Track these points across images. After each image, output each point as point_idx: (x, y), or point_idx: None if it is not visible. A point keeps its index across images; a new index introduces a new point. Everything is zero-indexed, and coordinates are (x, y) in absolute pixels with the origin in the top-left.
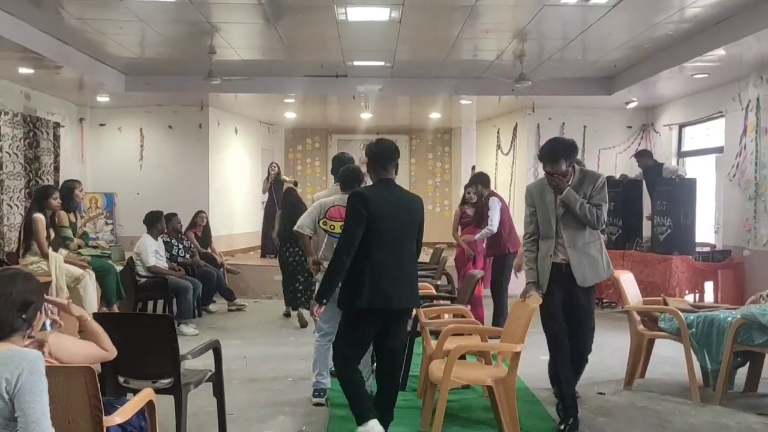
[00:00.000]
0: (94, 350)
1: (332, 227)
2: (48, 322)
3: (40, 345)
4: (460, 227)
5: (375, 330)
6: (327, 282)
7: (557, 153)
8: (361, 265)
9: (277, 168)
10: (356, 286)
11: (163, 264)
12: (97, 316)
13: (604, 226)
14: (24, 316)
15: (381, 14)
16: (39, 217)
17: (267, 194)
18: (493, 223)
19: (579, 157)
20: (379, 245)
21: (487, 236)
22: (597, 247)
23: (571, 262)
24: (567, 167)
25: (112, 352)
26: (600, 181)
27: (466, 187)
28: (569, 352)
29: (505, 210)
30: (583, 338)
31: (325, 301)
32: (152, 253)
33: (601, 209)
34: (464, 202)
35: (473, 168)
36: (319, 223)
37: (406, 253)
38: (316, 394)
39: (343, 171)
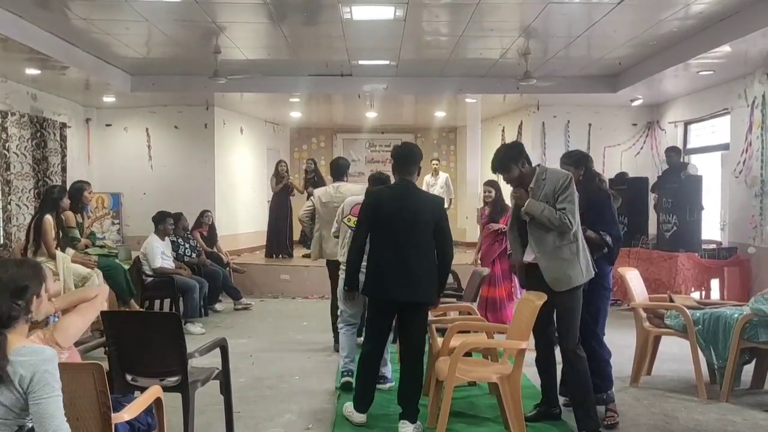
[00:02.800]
0: (90, 307)
1: (355, 224)
2: (53, 318)
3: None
4: (483, 225)
5: (387, 319)
6: (346, 271)
7: (504, 161)
8: (370, 257)
9: (285, 166)
10: (366, 276)
11: (169, 264)
12: (105, 315)
13: (574, 227)
14: (19, 302)
15: (386, 13)
16: (48, 218)
17: (273, 193)
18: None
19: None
20: (383, 240)
21: None
22: (572, 249)
23: (540, 266)
24: (521, 170)
25: (101, 291)
26: (563, 181)
27: (483, 185)
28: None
29: None
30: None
31: (346, 287)
32: (158, 254)
33: (565, 211)
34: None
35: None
36: (343, 219)
37: (413, 250)
38: (345, 374)
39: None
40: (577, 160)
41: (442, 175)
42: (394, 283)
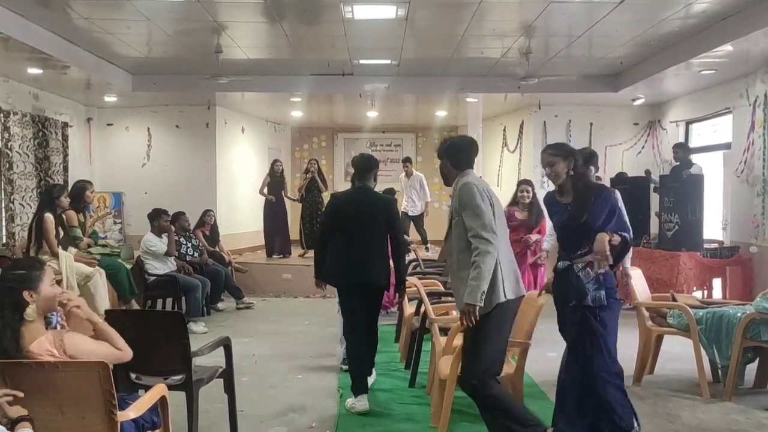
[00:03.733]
0: (109, 350)
1: None
2: (56, 319)
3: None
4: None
5: (357, 303)
6: (315, 262)
7: (438, 150)
8: (340, 252)
9: (281, 166)
10: (328, 266)
11: (171, 263)
12: (109, 314)
13: (488, 239)
14: None
15: (387, 12)
16: (48, 216)
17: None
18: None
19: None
20: (345, 235)
21: None
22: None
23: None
24: (443, 170)
25: (126, 352)
26: (460, 194)
27: (519, 184)
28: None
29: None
30: None
31: (316, 276)
32: (159, 247)
33: (476, 230)
34: (515, 202)
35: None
36: None
37: (370, 243)
38: (345, 362)
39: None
40: (568, 152)
41: (417, 175)
42: (356, 270)
